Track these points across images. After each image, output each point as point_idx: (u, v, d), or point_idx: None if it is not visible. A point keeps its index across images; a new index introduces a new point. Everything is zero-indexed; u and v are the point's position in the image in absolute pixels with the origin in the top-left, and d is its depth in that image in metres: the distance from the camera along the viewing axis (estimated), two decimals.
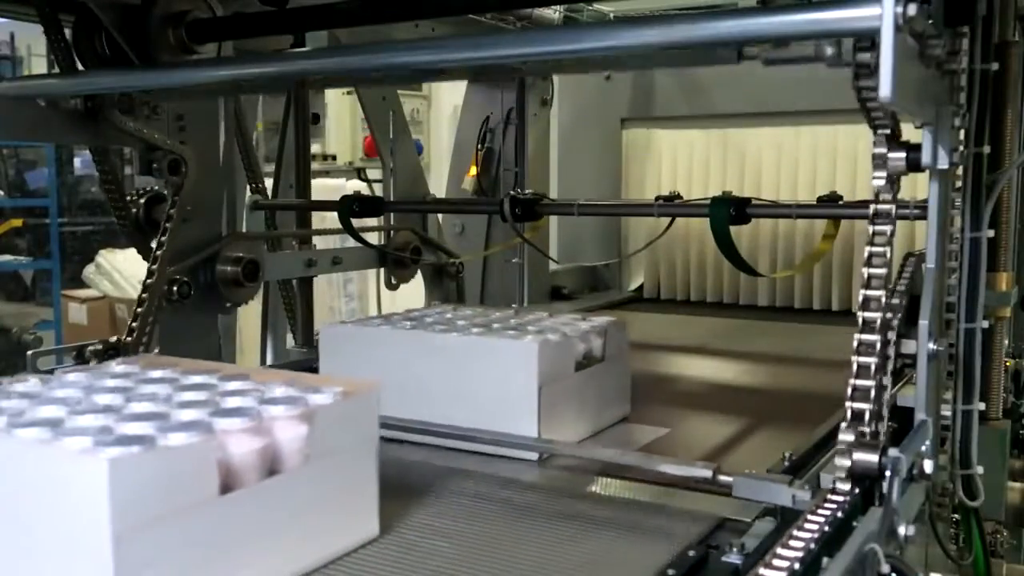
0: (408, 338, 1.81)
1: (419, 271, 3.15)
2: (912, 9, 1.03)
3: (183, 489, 1.01)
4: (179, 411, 1.16)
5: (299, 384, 1.29)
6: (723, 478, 1.40)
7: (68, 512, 0.97)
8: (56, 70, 2.13)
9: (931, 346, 1.39)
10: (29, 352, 2.06)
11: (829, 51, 1.34)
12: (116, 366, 1.43)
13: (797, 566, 1.03)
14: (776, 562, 1.04)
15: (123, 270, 6.92)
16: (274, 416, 1.14)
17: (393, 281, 3.05)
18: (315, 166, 3.81)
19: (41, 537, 0.99)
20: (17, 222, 8.44)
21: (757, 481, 1.37)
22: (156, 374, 1.36)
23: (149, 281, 2.16)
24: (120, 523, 0.94)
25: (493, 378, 1.69)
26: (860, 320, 1.38)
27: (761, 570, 1.02)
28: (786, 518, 1.31)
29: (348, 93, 5.92)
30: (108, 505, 0.93)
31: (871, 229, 1.43)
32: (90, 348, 2.09)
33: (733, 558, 1.17)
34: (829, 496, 1.24)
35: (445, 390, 1.74)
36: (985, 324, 1.67)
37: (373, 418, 1.28)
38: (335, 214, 2.79)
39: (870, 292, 1.40)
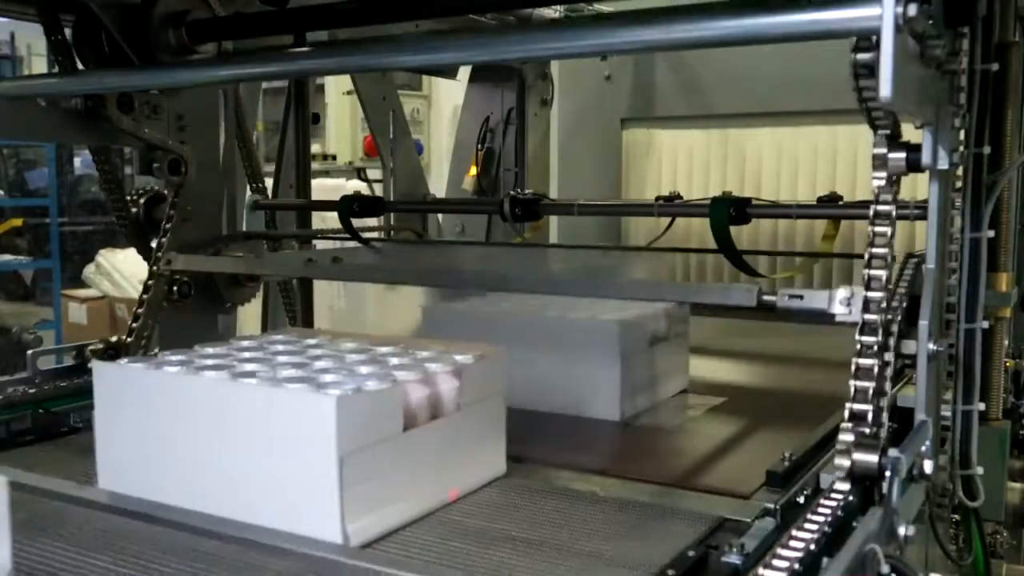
0: (504, 316, 2.12)
1: None
2: (912, 9, 1.03)
3: (381, 425, 1.28)
4: (358, 367, 1.42)
5: (442, 347, 1.54)
6: (767, 298, 1.54)
7: (301, 440, 1.24)
8: (56, 70, 2.13)
9: (931, 346, 1.39)
10: (29, 352, 2.06)
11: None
12: (275, 335, 1.70)
13: (797, 566, 1.03)
14: (776, 562, 1.04)
15: (123, 270, 6.91)
16: (436, 371, 1.41)
17: None
18: (315, 166, 3.81)
19: (276, 462, 1.26)
20: (17, 222, 8.43)
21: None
22: (313, 341, 1.62)
23: (150, 278, 2.16)
24: (343, 447, 1.21)
25: (578, 353, 2.00)
26: (860, 325, 1.38)
27: (761, 570, 1.02)
28: (786, 518, 1.31)
29: (348, 93, 5.91)
30: (335, 432, 1.20)
31: (871, 230, 1.43)
32: (90, 348, 2.09)
33: (733, 558, 1.17)
34: (829, 496, 1.24)
35: (541, 361, 1.99)
36: (985, 324, 1.67)
37: (503, 375, 1.55)
38: (335, 214, 2.79)
39: (870, 294, 1.40)
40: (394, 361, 1.46)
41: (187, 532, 1.28)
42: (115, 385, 1.44)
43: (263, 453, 1.27)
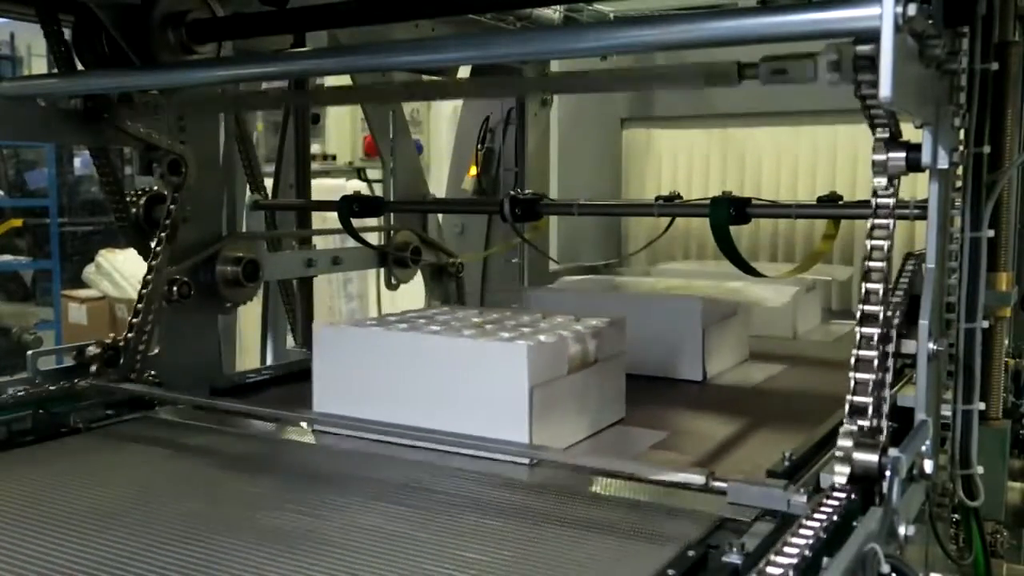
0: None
1: (419, 271, 3.15)
2: (912, 9, 1.03)
3: (555, 367, 1.74)
4: (524, 328, 1.84)
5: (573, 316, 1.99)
6: (717, 484, 1.40)
7: (498, 378, 1.67)
8: (56, 70, 2.13)
9: (931, 346, 1.39)
10: (29, 352, 2.05)
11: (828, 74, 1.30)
12: (429, 311, 2.07)
13: (797, 565, 1.03)
14: (776, 562, 1.04)
15: (123, 270, 6.91)
16: (583, 331, 1.84)
17: (393, 281, 3.05)
18: (315, 166, 3.80)
19: (478, 396, 1.68)
20: (17, 222, 8.43)
21: (752, 487, 1.38)
22: (462, 313, 2.02)
23: (149, 278, 2.16)
24: (532, 381, 1.64)
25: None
26: (859, 317, 1.38)
27: (761, 570, 1.02)
28: (786, 518, 1.31)
29: None
30: (528, 372, 1.63)
31: (871, 222, 1.42)
32: (90, 348, 2.09)
33: (733, 558, 1.17)
34: (829, 496, 1.24)
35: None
36: (985, 324, 1.67)
37: (625, 338, 2.00)
38: (335, 214, 2.79)
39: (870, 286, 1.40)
40: (543, 325, 1.89)
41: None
42: (335, 344, 1.84)
43: (474, 394, 1.68)
